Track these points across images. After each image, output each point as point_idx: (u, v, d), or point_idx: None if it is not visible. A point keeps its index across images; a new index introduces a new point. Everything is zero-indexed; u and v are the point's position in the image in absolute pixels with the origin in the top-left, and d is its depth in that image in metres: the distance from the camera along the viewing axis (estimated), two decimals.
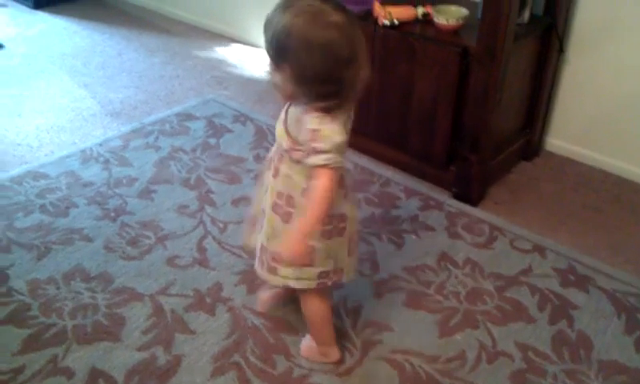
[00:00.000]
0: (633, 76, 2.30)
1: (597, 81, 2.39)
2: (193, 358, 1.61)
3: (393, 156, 2.46)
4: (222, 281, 1.87)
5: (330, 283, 1.45)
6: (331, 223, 1.37)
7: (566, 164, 2.55)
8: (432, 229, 2.13)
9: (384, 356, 1.63)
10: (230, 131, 2.72)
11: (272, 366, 1.58)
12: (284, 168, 1.37)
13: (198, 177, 2.38)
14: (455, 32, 2.19)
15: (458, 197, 2.28)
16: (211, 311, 1.76)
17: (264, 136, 2.68)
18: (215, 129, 2.74)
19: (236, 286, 1.85)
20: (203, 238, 2.05)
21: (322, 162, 1.23)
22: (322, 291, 1.50)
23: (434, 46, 2.17)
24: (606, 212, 2.26)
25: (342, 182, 1.37)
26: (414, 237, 2.08)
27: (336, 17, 1.17)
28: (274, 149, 1.44)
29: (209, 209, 2.20)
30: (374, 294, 1.84)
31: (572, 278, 1.91)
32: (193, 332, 1.69)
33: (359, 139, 2.53)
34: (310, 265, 1.38)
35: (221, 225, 2.11)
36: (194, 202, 2.23)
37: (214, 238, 2.05)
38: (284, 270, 1.42)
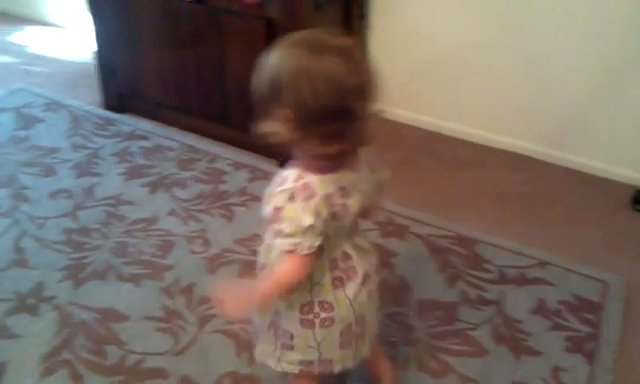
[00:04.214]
0: (430, 38, 2.48)
1: (400, 43, 2.56)
2: (19, 362, 1.53)
3: (217, 131, 2.46)
4: (44, 279, 1.78)
5: (316, 372, 1.25)
6: (311, 312, 1.16)
7: (378, 122, 2.70)
8: (260, 199, 2.17)
9: (220, 328, 1.66)
10: (41, 121, 2.55)
11: (104, 357, 1.55)
12: (267, 237, 1.21)
13: (9, 173, 2.22)
14: (259, 5, 2.22)
15: (284, 165, 2.34)
16: (35, 312, 1.67)
17: (79, 123, 2.55)
18: (25, 120, 2.56)
19: (60, 282, 1.77)
20: (20, 237, 1.93)
21: (288, 248, 1.07)
22: (311, 378, 1.30)
23: (240, 20, 2.19)
24: (418, 164, 2.44)
25: (332, 266, 1.17)
26: (242, 209, 2.12)
27: (337, 41, 0.98)
28: None
29: (24, 206, 2.06)
30: (208, 270, 1.85)
31: (391, 228, 2.06)
32: (17, 336, 1.60)
33: (182, 117, 2.51)
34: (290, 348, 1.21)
35: (39, 221, 2.00)
36: (7, 200, 2.09)
37: (32, 236, 1.94)
38: (261, 348, 1.28)
